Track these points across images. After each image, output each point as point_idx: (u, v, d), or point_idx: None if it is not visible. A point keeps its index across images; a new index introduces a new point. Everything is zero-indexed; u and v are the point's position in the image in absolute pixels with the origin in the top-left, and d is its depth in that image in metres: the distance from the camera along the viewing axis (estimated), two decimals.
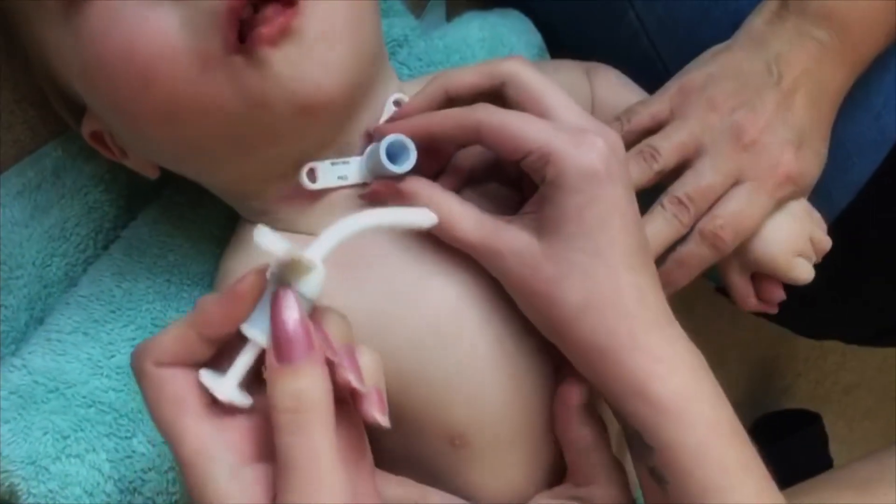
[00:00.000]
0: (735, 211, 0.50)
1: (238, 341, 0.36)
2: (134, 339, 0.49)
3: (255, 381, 0.37)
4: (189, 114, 0.42)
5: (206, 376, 0.36)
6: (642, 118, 0.52)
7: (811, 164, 0.52)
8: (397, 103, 0.48)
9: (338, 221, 0.36)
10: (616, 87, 0.57)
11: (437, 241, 0.46)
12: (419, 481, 0.48)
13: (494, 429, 0.46)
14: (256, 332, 0.35)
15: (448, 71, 0.47)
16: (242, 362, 0.36)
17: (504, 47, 0.59)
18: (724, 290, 0.80)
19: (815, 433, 1.10)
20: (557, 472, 0.49)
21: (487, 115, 0.43)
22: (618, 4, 0.61)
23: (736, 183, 0.51)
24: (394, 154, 0.44)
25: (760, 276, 0.54)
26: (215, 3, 0.39)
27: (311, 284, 0.35)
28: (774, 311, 0.54)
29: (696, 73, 0.53)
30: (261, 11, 0.40)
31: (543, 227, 0.42)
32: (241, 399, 0.36)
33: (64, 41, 0.44)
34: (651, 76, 0.55)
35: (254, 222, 0.48)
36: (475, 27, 0.60)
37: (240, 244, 0.49)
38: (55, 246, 0.51)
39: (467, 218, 0.44)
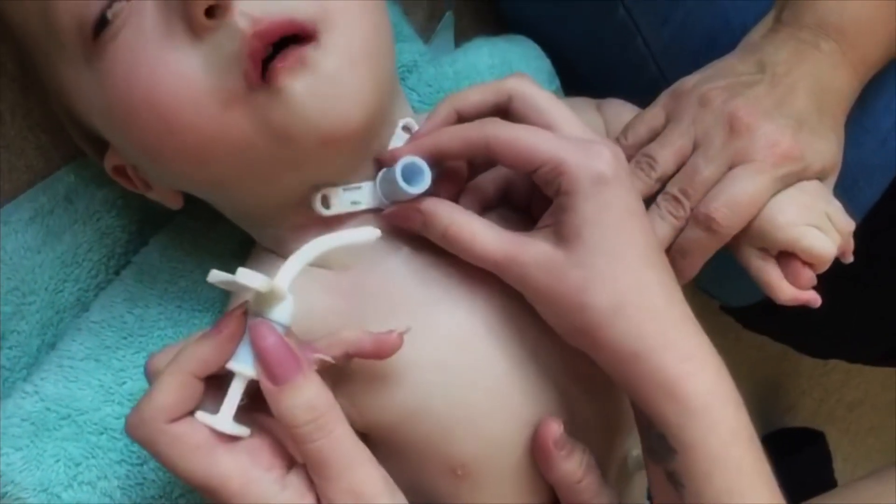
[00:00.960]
0: (730, 192, 0.48)
1: (222, 376, 0.38)
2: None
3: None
4: (214, 153, 0.42)
5: (203, 416, 0.38)
6: (639, 132, 0.52)
7: (815, 145, 0.50)
8: (406, 129, 0.48)
9: (295, 251, 0.39)
10: (627, 117, 0.57)
11: (448, 270, 0.46)
12: None
13: (497, 460, 0.46)
14: (243, 366, 0.38)
15: (456, 92, 0.47)
16: (233, 395, 0.38)
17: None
18: (728, 309, 0.80)
19: (819, 451, 1.10)
20: (557, 500, 0.49)
21: (496, 130, 0.44)
22: (625, 31, 0.62)
23: (732, 168, 0.50)
24: (409, 176, 0.45)
25: (783, 258, 0.51)
26: (236, 46, 0.40)
27: (284, 312, 0.38)
28: (811, 298, 0.51)
29: (689, 78, 0.53)
30: (281, 52, 0.40)
31: (563, 236, 0.43)
32: (241, 430, 0.38)
33: (85, 82, 0.44)
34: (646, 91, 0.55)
35: (270, 250, 0.49)
36: (485, 53, 0.60)
37: (253, 263, 0.49)
38: (67, 271, 0.51)
39: (488, 235, 0.44)
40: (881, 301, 0.68)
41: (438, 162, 0.46)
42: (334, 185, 0.46)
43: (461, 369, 0.45)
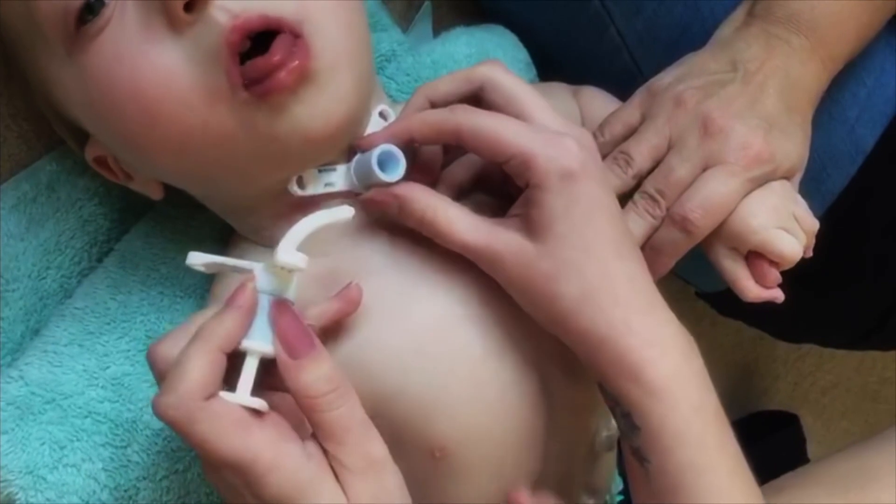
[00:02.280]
0: (704, 193, 0.50)
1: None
2: (128, 350, 0.50)
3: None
4: (196, 146, 0.43)
5: (226, 395, 0.39)
6: (615, 128, 0.54)
7: (784, 146, 0.52)
8: (382, 115, 0.49)
9: (285, 234, 0.40)
10: (602, 106, 0.58)
11: (426, 256, 0.47)
12: None
13: (475, 443, 0.47)
14: (259, 343, 0.39)
15: (430, 82, 0.48)
16: (249, 372, 0.39)
17: None
18: (703, 295, 0.82)
19: (793, 434, 1.11)
20: (537, 484, 0.50)
21: (466, 118, 0.44)
22: (599, 21, 0.63)
23: (706, 169, 0.51)
24: (384, 163, 0.45)
25: (751, 258, 0.53)
26: (214, 40, 0.40)
27: (293, 290, 0.41)
28: (776, 295, 0.53)
29: (664, 75, 0.54)
30: (269, 53, 0.41)
31: (533, 229, 0.44)
32: (261, 404, 0.39)
33: (68, 76, 0.44)
34: (632, 90, 0.56)
35: (249, 238, 0.49)
36: (462, 43, 0.61)
37: (233, 253, 0.50)
38: (50, 259, 0.52)
39: (463, 221, 0.45)
40: (850, 286, 0.69)
41: (411, 148, 0.47)
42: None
43: (439, 355, 0.46)
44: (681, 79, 0.53)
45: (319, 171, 0.47)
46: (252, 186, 0.47)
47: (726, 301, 0.78)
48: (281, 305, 0.40)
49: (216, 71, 0.41)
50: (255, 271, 0.40)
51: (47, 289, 0.52)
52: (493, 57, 0.62)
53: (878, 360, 1.21)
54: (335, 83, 0.43)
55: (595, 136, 0.54)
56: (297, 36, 0.41)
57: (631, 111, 0.54)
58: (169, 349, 0.40)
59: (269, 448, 0.38)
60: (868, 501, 0.59)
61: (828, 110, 0.59)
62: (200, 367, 0.38)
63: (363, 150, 0.46)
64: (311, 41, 0.42)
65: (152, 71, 0.41)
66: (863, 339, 0.77)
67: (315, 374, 0.39)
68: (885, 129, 0.62)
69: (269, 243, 0.48)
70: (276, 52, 0.40)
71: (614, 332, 0.43)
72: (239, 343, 0.39)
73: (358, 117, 0.46)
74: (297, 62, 0.41)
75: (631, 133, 0.53)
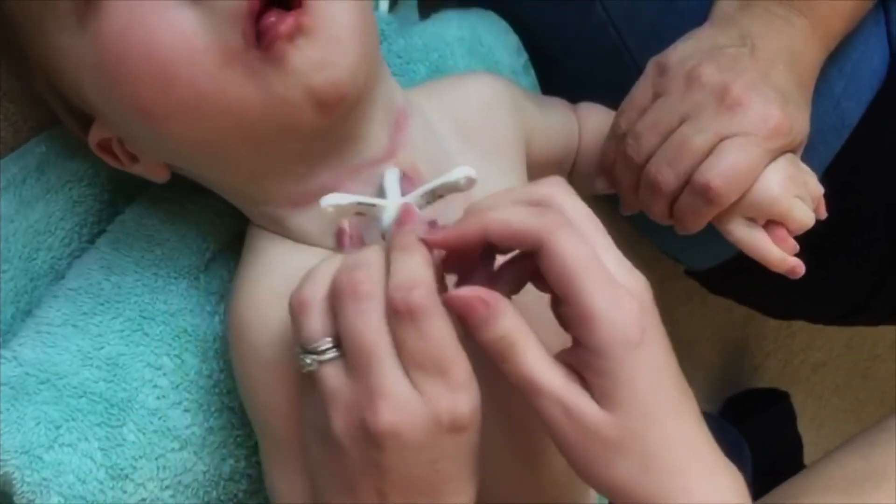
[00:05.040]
0: (728, 162, 0.49)
1: None
2: (123, 330, 0.50)
3: None
4: (210, 110, 0.43)
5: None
6: (631, 115, 0.54)
7: (798, 120, 0.52)
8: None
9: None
10: (601, 119, 0.58)
11: None
12: None
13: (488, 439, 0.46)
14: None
15: (490, 215, 0.42)
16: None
17: (482, 47, 0.61)
18: (693, 273, 0.82)
19: (784, 411, 1.12)
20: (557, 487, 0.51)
21: (553, 236, 0.40)
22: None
23: (722, 140, 0.50)
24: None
25: (770, 227, 0.53)
26: (232, 4, 0.41)
27: None
28: (797, 263, 0.52)
29: (671, 51, 0.54)
30: (264, 16, 0.41)
31: (597, 392, 0.41)
32: None
33: (78, 45, 0.44)
34: (620, 67, 0.57)
35: (265, 227, 0.49)
36: (454, 27, 0.61)
37: (252, 252, 0.50)
38: (41, 240, 0.52)
39: (544, 365, 0.41)
40: (838, 261, 0.70)
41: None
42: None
43: None
44: (691, 55, 0.53)
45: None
46: (265, 163, 0.46)
47: (716, 278, 0.78)
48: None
49: (232, 32, 0.41)
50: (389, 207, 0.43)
51: (37, 270, 0.52)
52: (485, 41, 0.62)
53: (868, 336, 1.23)
54: (341, 50, 0.43)
55: (615, 127, 0.53)
56: (299, 4, 0.42)
57: (643, 93, 0.54)
58: (314, 291, 0.41)
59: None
60: (886, 501, 0.58)
61: (815, 85, 0.60)
62: (420, 267, 0.40)
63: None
64: (310, 4, 0.42)
65: (167, 33, 0.41)
66: (852, 314, 0.78)
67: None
68: (871, 103, 0.62)
69: (285, 233, 0.48)
70: (272, 15, 0.41)
71: (673, 501, 0.41)
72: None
73: (368, 91, 0.46)
74: (290, 18, 0.41)
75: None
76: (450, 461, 0.41)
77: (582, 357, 0.41)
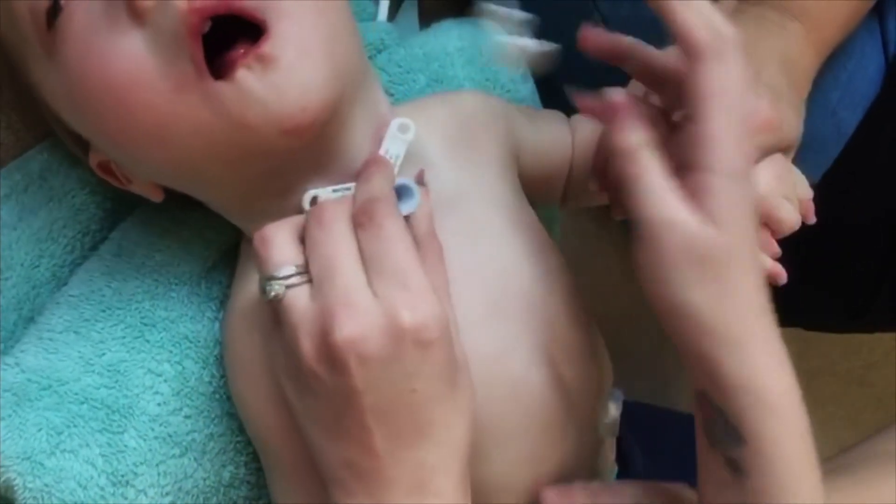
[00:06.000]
0: None
1: None
2: (124, 337, 0.50)
3: None
4: (175, 135, 0.42)
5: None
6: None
7: (790, 119, 0.52)
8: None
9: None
10: (593, 128, 0.58)
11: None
12: None
13: (505, 422, 0.48)
14: None
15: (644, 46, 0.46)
16: None
17: (482, 57, 0.61)
18: None
19: None
20: (566, 467, 0.51)
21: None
22: (583, 6, 0.63)
23: None
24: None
25: None
26: (175, 25, 0.40)
27: None
28: (779, 272, 0.53)
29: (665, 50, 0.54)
30: (233, 49, 0.41)
31: (703, 211, 0.41)
32: None
33: (52, 77, 0.45)
34: (615, 75, 0.57)
35: None
36: (454, 36, 0.61)
37: (245, 266, 0.50)
38: (43, 247, 0.52)
39: (666, 193, 0.42)
40: (834, 268, 0.70)
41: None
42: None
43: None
44: None
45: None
46: (245, 183, 0.46)
47: None
48: None
49: (181, 58, 0.40)
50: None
51: (40, 277, 0.52)
52: (484, 51, 0.62)
53: (864, 344, 1.23)
54: (305, 69, 0.42)
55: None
56: (257, 23, 0.41)
57: (635, 91, 0.54)
58: (274, 228, 0.42)
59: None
60: None
61: (810, 94, 0.60)
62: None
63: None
64: (273, 26, 0.41)
65: (119, 62, 0.41)
66: (848, 321, 0.78)
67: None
68: (867, 112, 0.63)
69: None
70: (238, 46, 0.41)
71: (740, 335, 0.41)
72: None
73: (342, 110, 0.45)
74: (254, 48, 0.40)
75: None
76: (425, 381, 0.41)
77: (697, 178, 0.41)
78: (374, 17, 0.63)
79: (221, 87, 0.41)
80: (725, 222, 0.41)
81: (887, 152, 0.64)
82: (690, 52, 0.42)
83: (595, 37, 0.46)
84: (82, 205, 0.54)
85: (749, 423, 0.42)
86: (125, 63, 0.41)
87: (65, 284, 0.53)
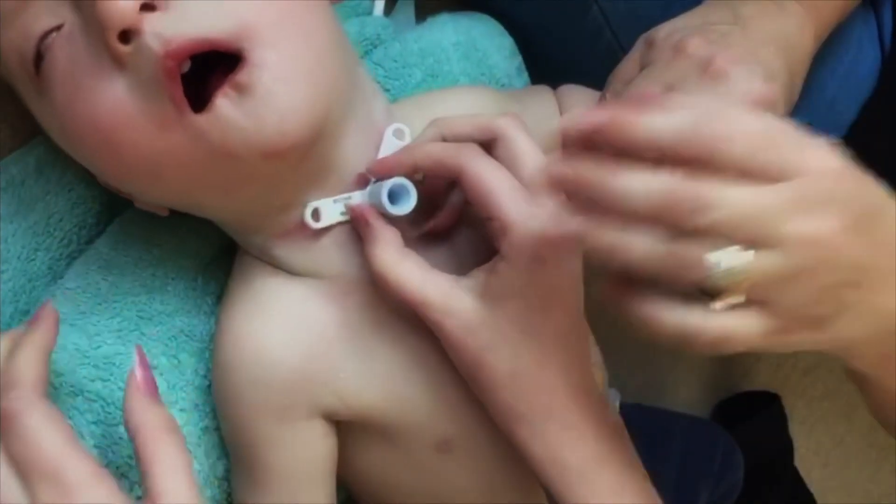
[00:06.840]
0: None
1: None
2: (120, 330, 0.50)
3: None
4: (164, 170, 0.43)
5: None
6: (616, 87, 0.53)
7: (783, 98, 0.52)
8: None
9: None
10: (579, 98, 0.58)
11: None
12: (403, 491, 0.51)
13: (478, 433, 0.48)
14: None
15: (445, 118, 0.47)
16: None
17: (477, 51, 0.61)
18: None
19: (775, 414, 1.13)
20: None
21: (469, 162, 0.44)
22: (582, 1, 0.63)
23: None
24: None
25: None
26: (152, 68, 0.40)
27: None
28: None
29: (662, 26, 0.54)
30: (217, 76, 0.41)
31: (487, 295, 0.44)
32: None
33: (45, 113, 0.46)
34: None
35: (253, 255, 0.50)
36: (450, 31, 0.61)
37: (242, 283, 0.50)
38: (39, 241, 0.52)
39: (413, 273, 0.45)
40: None
41: (414, 178, 0.47)
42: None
43: (431, 368, 0.48)
44: (679, 28, 0.53)
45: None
46: (240, 204, 0.47)
47: None
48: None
49: (162, 97, 0.40)
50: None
51: (36, 270, 0.52)
52: (480, 45, 0.62)
53: None
54: (282, 95, 0.41)
55: (601, 100, 0.54)
56: (235, 53, 0.41)
57: (630, 66, 0.53)
58: None
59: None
60: None
61: (807, 87, 0.60)
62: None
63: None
64: (249, 55, 0.41)
65: (103, 105, 0.41)
66: None
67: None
68: (864, 105, 0.63)
69: (274, 262, 0.49)
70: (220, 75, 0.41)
71: (534, 414, 0.44)
72: None
73: (329, 130, 0.45)
74: (231, 77, 0.40)
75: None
76: None
77: (493, 264, 0.44)
78: (370, 11, 0.63)
79: (201, 119, 0.41)
80: (510, 301, 0.43)
81: (885, 145, 0.64)
82: (450, 173, 0.45)
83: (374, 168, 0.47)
84: (79, 199, 0.53)
85: (561, 492, 0.45)
86: (109, 106, 0.41)
87: (61, 278, 0.53)
